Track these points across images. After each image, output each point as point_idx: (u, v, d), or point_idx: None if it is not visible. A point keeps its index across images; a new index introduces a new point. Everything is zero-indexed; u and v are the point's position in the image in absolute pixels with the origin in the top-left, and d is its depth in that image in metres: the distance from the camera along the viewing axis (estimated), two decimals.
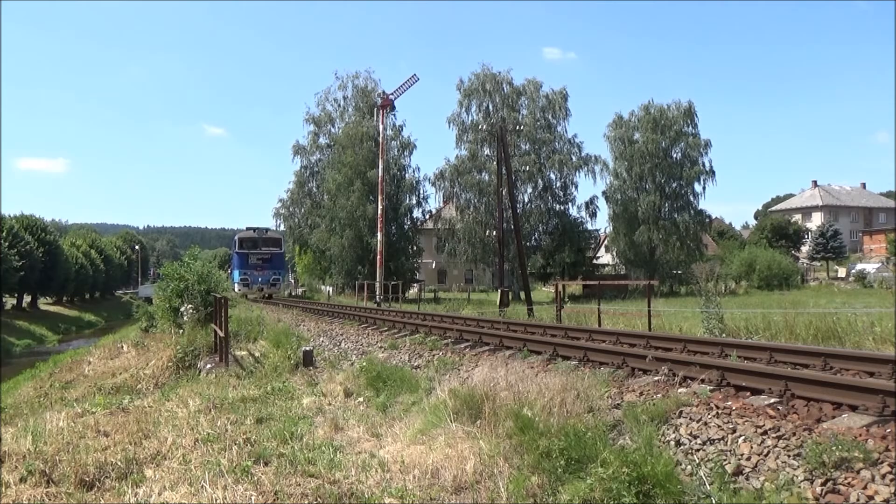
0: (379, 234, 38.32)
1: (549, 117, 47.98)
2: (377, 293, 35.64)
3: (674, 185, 49.39)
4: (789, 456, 4.58)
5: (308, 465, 5.71)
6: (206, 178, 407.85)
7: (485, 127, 45.79)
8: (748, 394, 6.02)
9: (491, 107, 47.78)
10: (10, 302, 51.84)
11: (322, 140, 57.96)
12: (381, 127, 40.67)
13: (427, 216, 52.79)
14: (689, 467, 4.92)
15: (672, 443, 5.31)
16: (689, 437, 5.26)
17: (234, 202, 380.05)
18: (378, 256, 37.99)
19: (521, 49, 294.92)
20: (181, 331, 18.15)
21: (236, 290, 39.79)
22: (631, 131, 49.86)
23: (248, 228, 45.20)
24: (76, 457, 6.19)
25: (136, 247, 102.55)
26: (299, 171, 59.37)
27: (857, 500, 4.00)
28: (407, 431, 6.70)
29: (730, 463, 4.74)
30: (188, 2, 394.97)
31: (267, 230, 46.11)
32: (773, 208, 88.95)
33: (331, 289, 51.03)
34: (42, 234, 52.28)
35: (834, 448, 4.31)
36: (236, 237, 44.61)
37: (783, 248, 59.22)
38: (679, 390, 6.30)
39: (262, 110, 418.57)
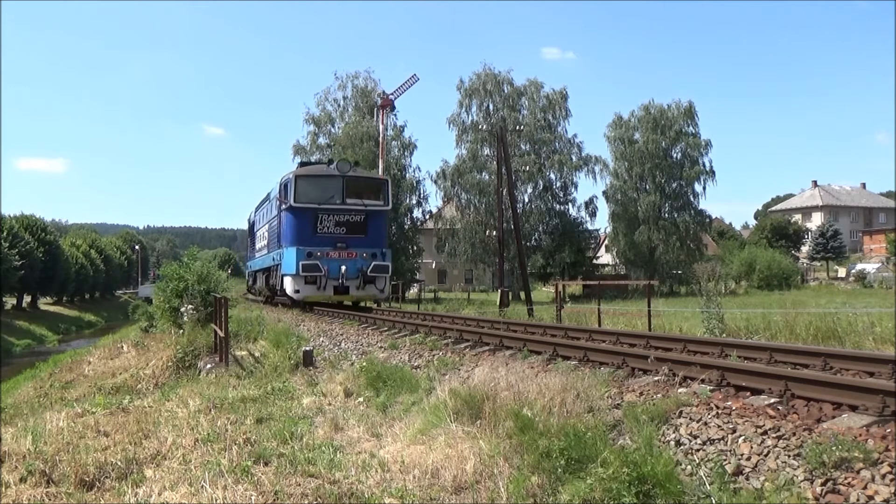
0: None
1: (550, 117, 48.01)
2: None
3: (674, 185, 49.45)
4: (789, 456, 4.57)
5: (308, 465, 5.71)
6: (205, 178, 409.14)
7: (485, 127, 45.79)
8: (748, 394, 6.02)
9: (491, 107, 47.80)
10: (10, 302, 51.86)
11: (322, 140, 57.79)
12: (381, 127, 40.71)
13: (427, 216, 52.78)
14: (689, 467, 4.92)
15: (672, 443, 5.30)
16: (689, 437, 5.26)
17: (234, 202, 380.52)
18: None
19: (520, 49, 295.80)
20: (181, 331, 18.16)
21: (289, 290, 20.71)
22: (631, 131, 49.91)
23: (304, 163, 24.74)
24: (76, 457, 6.19)
25: (136, 247, 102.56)
26: None
27: (857, 500, 3.99)
28: (407, 431, 6.70)
29: (730, 463, 4.74)
30: (189, 2, 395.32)
31: (356, 164, 24.29)
32: (773, 208, 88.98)
33: None
34: (42, 234, 52.31)
35: (834, 448, 4.31)
36: (290, 177, 21.11)
37: (783, 248, 59.26)
38: (679, 390, 6.30)
39: (261, 110, 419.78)
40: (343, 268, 20.10)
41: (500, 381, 6.91)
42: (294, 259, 19.92)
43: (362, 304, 22.28)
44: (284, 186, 21.39)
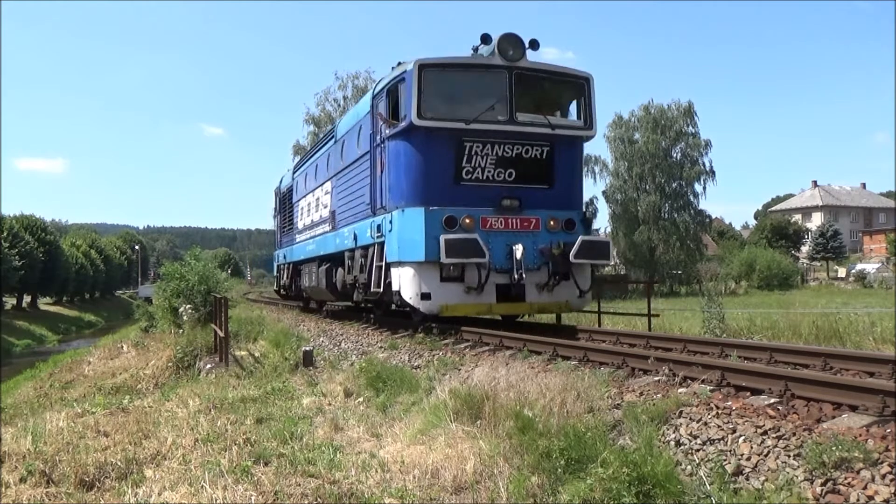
0: None
1: None
2: None
3: (674, 185, 49.51)
4: (789, 456, 4.57)
5: (308, 466, 5.71)
6: (205, 178, 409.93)
7: None
8: (748, 394, 6.01)
9: None
10: (10, 302, 51.83)
11: None
12: None
13: None
14: (689, 467, 4.92)
15: (672, 443, 5.30)
16: (689, 438, 5.26)
17: (233, 202, 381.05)
18: None
19: None
20: (181, 331, 18.17)
21: (407, 294, 10.73)
22: (631, 131, 49.97)
23: (416, 61, 10.37)
24: (76, 457, 6.20)
25: (136, 247, 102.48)
26: None
27: (857, 500, 3.99)
28: (407, 431, 6.70)
29: (730, 463, 4.74)
30: (189, 2, 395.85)
31: (531, 44, 10.58)
32: (773, 208, 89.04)
33: None
34: (42, 234, 52.28)
35: (834, 448, 4.31)
36: (408, 69, 10.37)
37: (783, 249, 59.27)
38: (679, 390, 6.29)
39: (261, 110, 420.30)
40: (519, 249, 10.58)
41: (500, 381, 6.91)
42: (421, 230, 10.37)
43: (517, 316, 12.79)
44: (390, 91, 11.51)
